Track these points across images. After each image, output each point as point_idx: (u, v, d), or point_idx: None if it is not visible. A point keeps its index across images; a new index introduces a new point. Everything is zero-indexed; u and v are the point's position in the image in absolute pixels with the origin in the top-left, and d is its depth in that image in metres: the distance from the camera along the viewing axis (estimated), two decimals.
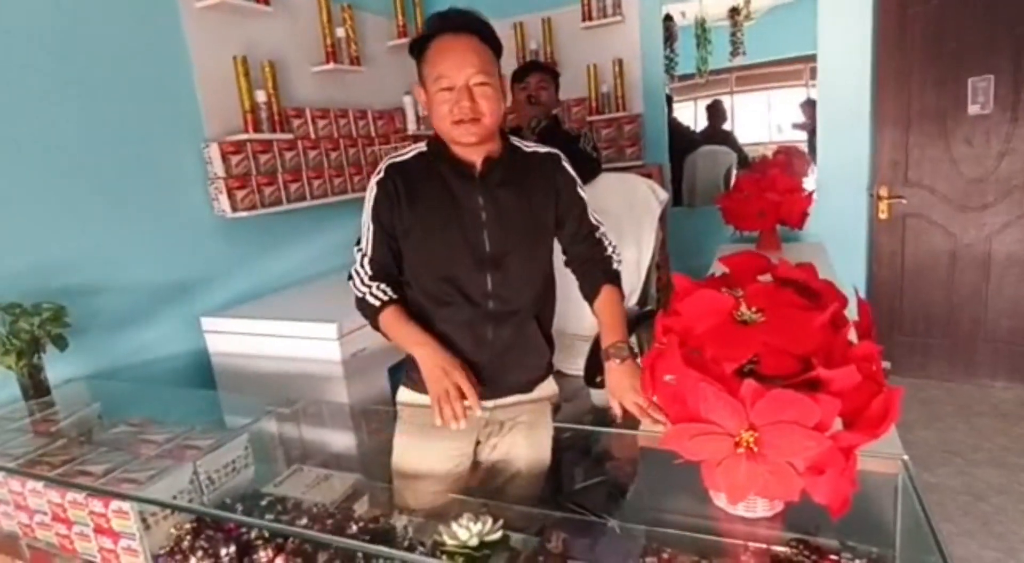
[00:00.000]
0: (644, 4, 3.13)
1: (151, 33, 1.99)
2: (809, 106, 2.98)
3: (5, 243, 1.62)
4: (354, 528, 1.03)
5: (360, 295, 1.23)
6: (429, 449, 1.27)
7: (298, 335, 1.91)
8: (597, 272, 1.26)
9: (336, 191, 2.56)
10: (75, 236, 1.78)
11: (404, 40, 3.00)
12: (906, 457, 0.95)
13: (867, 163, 2.91)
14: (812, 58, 2.92)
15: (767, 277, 0.85)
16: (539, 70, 2.31)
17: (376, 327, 1.23)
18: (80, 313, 1.69)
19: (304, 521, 1.05)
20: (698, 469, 0.78)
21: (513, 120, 2.43)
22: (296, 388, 1.89)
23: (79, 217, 1.79)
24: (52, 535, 1.17)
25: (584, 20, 3.14)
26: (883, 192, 2.87)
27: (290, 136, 2.38)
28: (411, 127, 3.01)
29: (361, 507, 1.19)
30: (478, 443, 1.29)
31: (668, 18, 3.19)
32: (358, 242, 1.24)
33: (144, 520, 1.06)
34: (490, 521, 0.94)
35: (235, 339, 2.04)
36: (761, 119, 3.20)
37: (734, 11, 3.12)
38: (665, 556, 0.91)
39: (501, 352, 1.22)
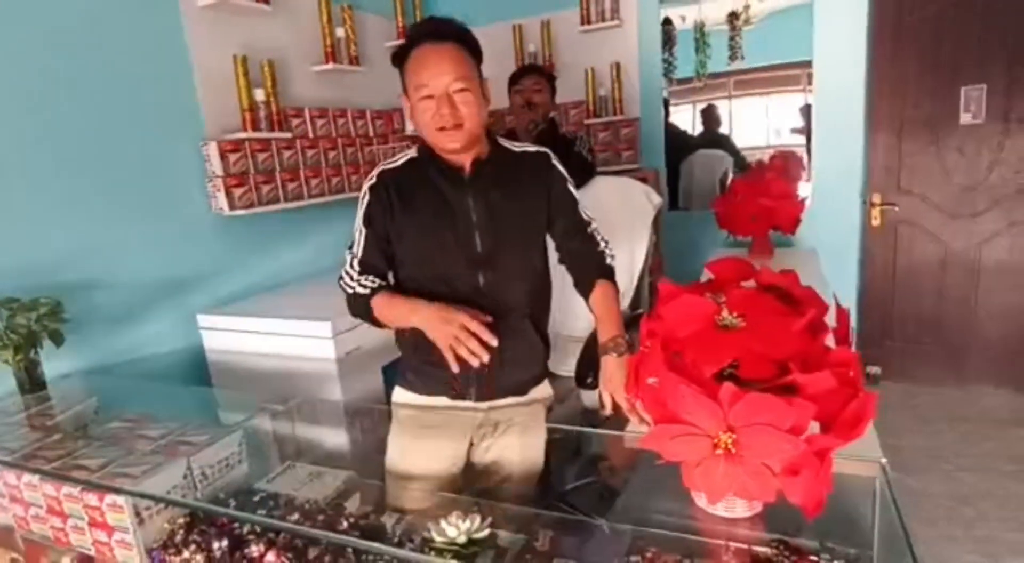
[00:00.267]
0: (642, 9, 3.16)
1: (152, 32, 2.01)
2: (808, 111, 3.01)
3: (4, 238, 1.64)
4: (345, 524, 1.04)
5: (350, 290, 1.24)
6: (423, 450, 1.28)
7: (293, 333, 1.93)
8: (591, 268, 1.27)
9: (333, 190, 2.58)
10: (73, 232, 1.80)
11: (404, 41, 3.00)
12: (884, 461, 0.97)
13: (860, 170, 2.94)
14: (811, 63, 2.95)
15: (751, 283, 0.87)
16: (533, 73, 2.33)
17: (371, 318, 1.23)
18: (77, 309, 1.70)
19: (296, 517, 1.07)
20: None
21: (510, 122, 2.45)
22: (290, 385, 1.91)
23: (78, 213, 1.81)
24: (47, 528, 1.18)
25: (583, 24, 3.17)
26: (876, 199, 2.90)
27: (288, 135, 2.39)
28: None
29: (352, 504, 1.20)
30: (471, 445, 1.31)
31: (667, 22, 3.21)
32: (350, 246, 1.25)
33: (138, 514, 1.08)
34: (478, 519, 0.96)
35: (231, 336, 2.06)
36: (759, 123, 3.23)
37: (733, 16, 3.14)
38: (649, 555, 0.93)
39: (496, 352, 1.23)
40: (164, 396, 1.82)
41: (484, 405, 1.27)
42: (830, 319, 0.86)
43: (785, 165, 2.95)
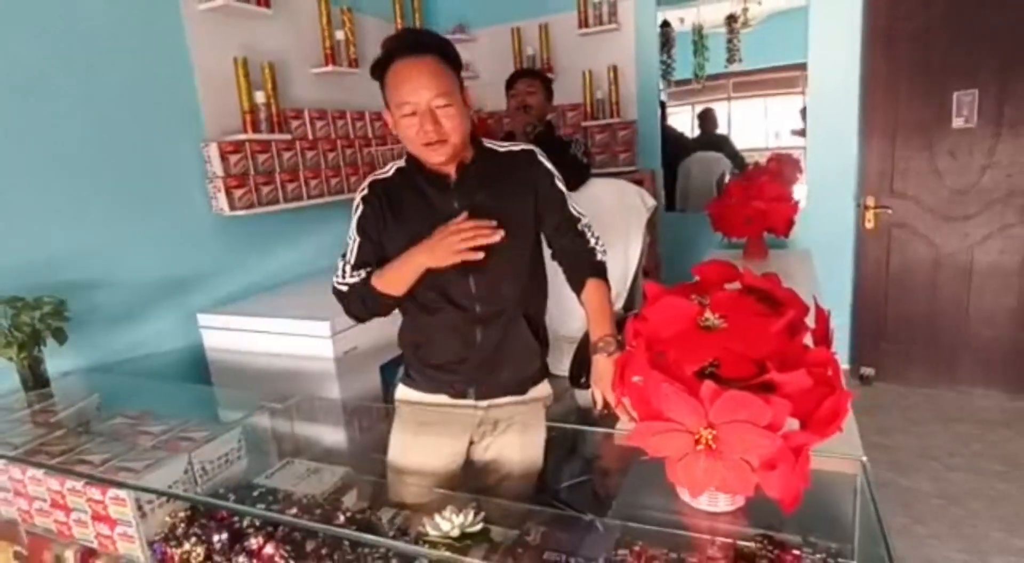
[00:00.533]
0: (639, 13, 3.19)
1: (153, 34, 2.04)
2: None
3: (8, 238, 1.67)
4: (341, 518, 1.07)
5: (345, 288, 1.24)
6: (424, 446, 1.30)
7: (292, 332, 1.96)
8: (581, 265, 1.28)
9: (332, 191, 2.61)
10: (76, 232, 1.83)
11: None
12: (865, 459, 1.00)
13: (855, 173, 2.97)
14: (807, 66, 2.98)
15: (736, 285, 0.90)
16: (527, 76, 2.35)
17: (375, 299, 1.23)
18: (80, 307, 1.73)
19: (294, 511, 1.09)
20: None
21: (508, 125, 2.48)
22: (289, 384, 1.94)
23: (80, 214, 1.84)
24: (50, 521, 1.21)
25: (580, 27, 3.20)
26: (870, 202, 2.93)
27: (288, 137, 2.42)
28: None
29: (350, 500, 1.22)
30: (471, 443, 1.33)
31: (666, 24, 3.25)
32: (343, 255, 1.28)
33: (140, 508, 1.10)
34: (472, 514, 0.99)
35: (230, 335, 2.09)
36: (758, 125, 3.26)
37: (731, 18, 3.18)
38: (637, 549, 0.95)
39: (491, 352, 1.25)
40: (165, 394, 1.85)
41: (484, 403, 1.30)
42: (816, 320, 0.89)
43: (780, 168, 2.98)
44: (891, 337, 3.03)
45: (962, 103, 2.67)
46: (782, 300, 0.83)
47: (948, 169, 2.76)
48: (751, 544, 0.91)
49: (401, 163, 1.26)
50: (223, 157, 2.15)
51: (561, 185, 1.27)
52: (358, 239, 1.24)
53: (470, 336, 1.24)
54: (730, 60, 3.22)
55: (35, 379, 1.60)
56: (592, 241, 1.29)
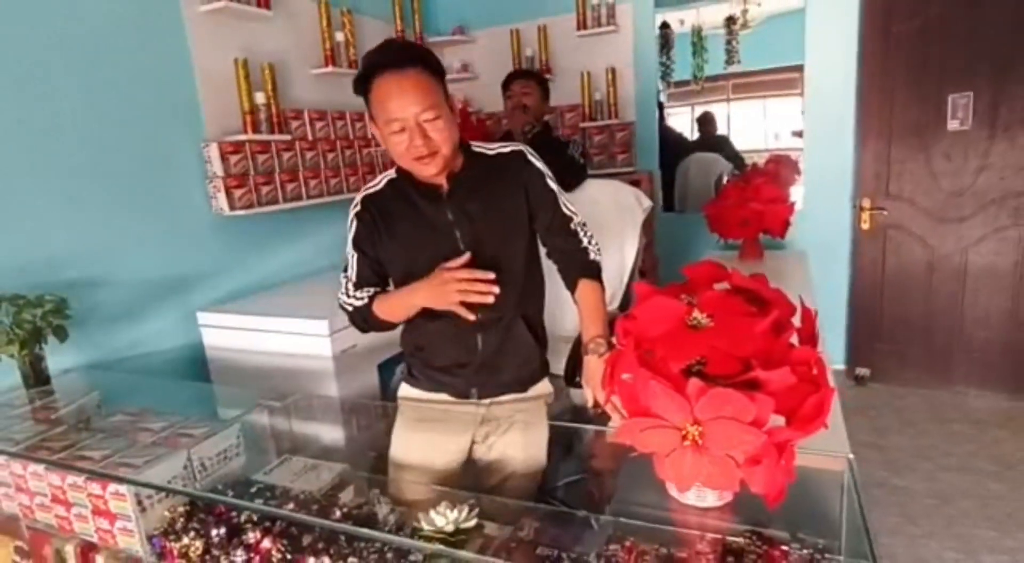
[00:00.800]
0: (638, 15, 3.21)
1: (154, 35, 2.06)
2: None
3: (9, 237, 1.69)
4: (338, 513, 1.09)
5: (350, 308, 1.29)
6: (426, 443, 1.32)
7: (290, 331, 1.97)
8: (574, 266, 1.29)
9: (332, 191, 2.63)
10: (77, 231, 1.85)
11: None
12: (851, 456, 1.02)
13: (851, 175, 2.99)
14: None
15: (725, 285, 0.92)
16: (522, 77, 2.36)
17: (377, 323, 1.27)
18: (81, 305, 1.75)
19: (291, 506, 1.11)
20: None
21: (507, 125, 2.49)
22: (288, 382, 1.96)
23: (82, 213, 1.86)
24: (51, 516, 1.23)
25: (579, 29, 3.22)
26: (866, 203, 2.95)
27: (288, 137, 2.44)
28: None
29: (347, 496, 1.24)
30: (473, 441, 1.34)
31: (665, 25, 3.27)
32: (345, 269, 1.30)
33: (140, 502, 1.12)
34: (466, 509, 1.00)
35: (230, 334, 2.11)
36: (757, 126, 3.28)
37: (730, 20, 3.20)
38: (628, 544, 0.97)
39: (492, 356, 1.27)
40: (164, 391, 1.87)
41: (486, 401, 1.31)
42: (802, 320, 0.91)
43: (777, 169, 2.99)
44: (886, 338, 3.05)
45: (957, 105, 2.69)
46: (769, 300, 0.85)
47: (943, 171, 2.78)
48: (740, 540, 0.93)
49: (392, 174, 1.26)
50: (223, 157, 2.17)
51: (553, 184, 1.27)
52: (356, 255, 1.27)
53: (471, 341, 1.26)
54: (729, 61, 3.24)
55: (36, 376, 1.62)
56: (585, 241, 1.30)
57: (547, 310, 1.40)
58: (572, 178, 2.37)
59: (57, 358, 1.70)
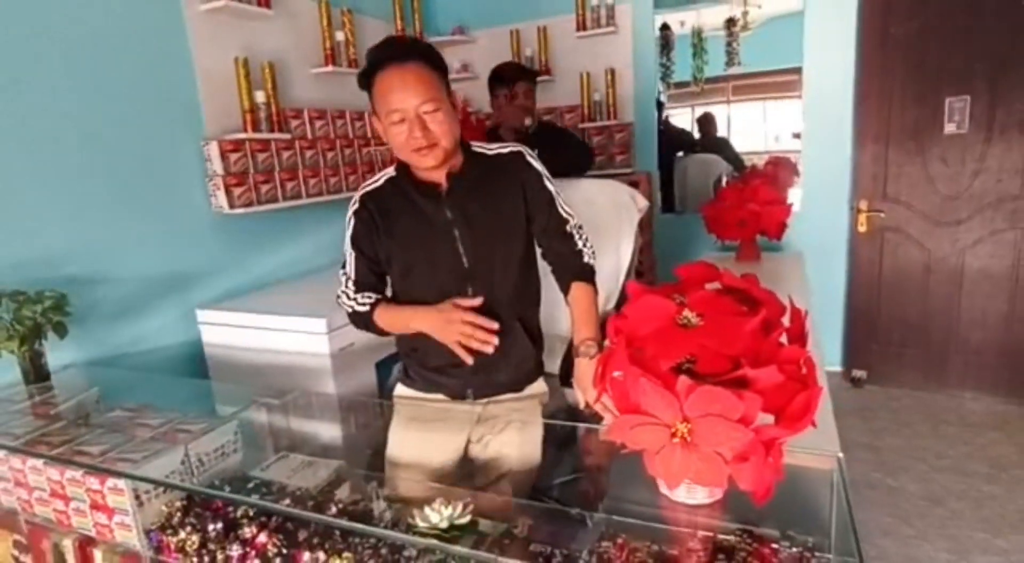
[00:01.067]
0: (637, 16, 3.22)
1: (155, 34, 2.07)
2: None
3: (10, 234, 1.70)
4: (334, 509, 1.10)
5: (350, 309, 1.30)
6: (422, 442, 1.33)
7: (289, 329, 1.98)
8: (568, 269, 1.30)
9: (331, 190, 2.64)
10: (78, 228, 1.86)
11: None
12: (841, 455, 1.03)
13: (848, 177, 3.01)
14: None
15: (717, 285, 0.93)
16: (525, 79, 2.36)
17: (376, 330, 1.30)
18: (80, 302, 1.76)
19: (287, 502, 1.12)
20: None
21: (499, 120, 2.47)
22: (286, 380, 1.97)
23: (82, 210, 1.87)
24: (50, 511, 1.24)
25: (578, 30, 3.23)
26: (863, 206, 2.96)
27: (288, 136, 2.45)
28: None
29: (343, 492, 1.25)
30: (469, 441, 1.35)
31: (665, 27, 3.28)
32: (343, 266, 1.31)
33: (137, 497, 1.13)
34: (460, 506, 1.01)
35: (228, 331, 2.12)
36: (757, 128, 3.29)
37: (731, 22, 3.21)
38: (620, 541, 0.98)
39: (488, 357, 1.26)
40: (163, 387, 1.88)
41: (482, 401, 1.32)
42: (791, 319, 0.92)
43: (776, 171, 3.01)
44: (883, 340, 3.06)
45: (954, 109, 2.70)
46: (759, 300, 0.86)
47: (940, 174, 2.80)
48: (730, 537, 0.94)
49: (391, 172, 1.27)
50: (223, 156, 2.18)
51: (551, 185, 1.28)
52: (354, 254, 1.28)
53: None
54: (729, 63, 3.25)
55: (36, 372, 1.63)
56: (580, 243, 1.31)
57: (544, 310, 1.41)
58: (585, 158, 2.39)
59: (57, 354, 1.71)
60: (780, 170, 2.97)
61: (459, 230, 1.22)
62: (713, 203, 2.68)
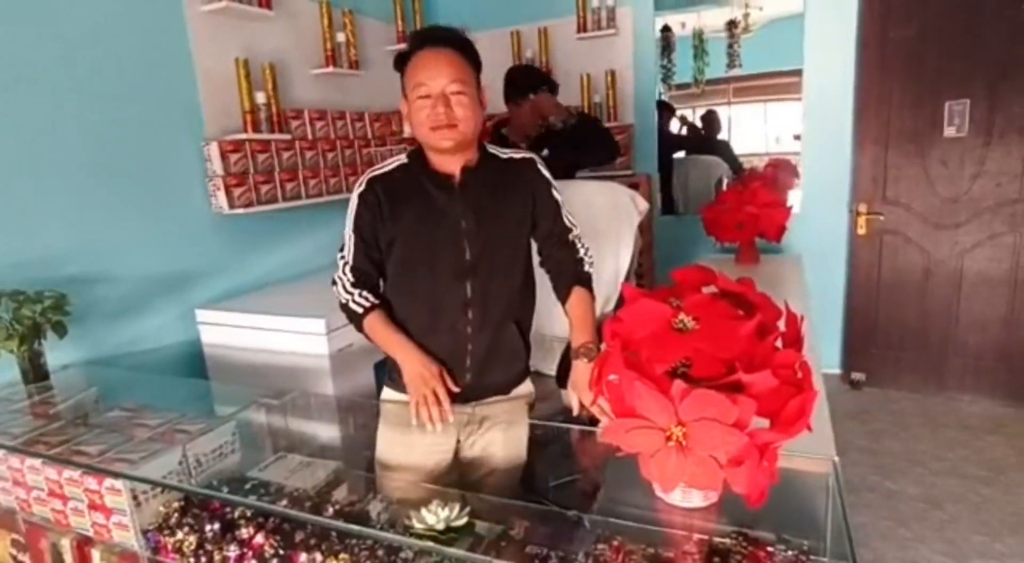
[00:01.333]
0: (638, 18, 3.22)
1: (156, 35, 2.07)
2: None
3: (10, 233, 1.70)
4: (331, 511, 1.10)
5: (344, 301, 1.29)
6: (412, 445, 1.32)
7: (288, 329, 1.99)
8: (569, 274, 1.31)
9: (331, 191, 2.64)
10: (78, 228, 1.86)
11: (403, 45, 3.06)
12: (836, 458, 1.03)
13: (848, 179, 3.01)
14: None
15: (713, 288, 0.94)
16: (552, 91, 2.37)
17: (360, 330, 1.30)
18: (80, 302, 1.76)
19: (284, 503, 1.13)
20: None
21: (515, 128, 2.46)
22: (284, 380, 1.97)
23: (82, 210, 1.87)
24: (48, 510, 1.24)
25: (579, 31, 3.24)
26: (862, 208, 2.97)
27: (288, 137, 2.46)
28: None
29: (340, 493, 1.25)
30: (459, 441, 1.35)
31: (667, 29, 3.28)
32: (341, 249, 1.29)
33: (135, 497, 1.14)
34: (457, 508, 1.02)
35: (228, 331, 2.12)
36: (758, 130, 3.29)
37: (732, 24, 3.22)
38: (616, 543, 0.99)
39: (482, 357, 1.27)
40: (162, 388, 1.88)
41: (471, 403, 1.32)
42: (787, 324, 0.92)
43: (775, 173, 3.01)
44: (882, 342, 3.06)
45: (954, 112, 2.70)
46: (755, 304, 0.86)
47: (939, 177, 2.80)
48: (726, 540, 0.94)
49: (403, 159, 1.26)
50: (223, 156, 2.19)
51: (557, 195, 1.30)
52: (354, 238, 1.26)
53: (462, 341, 1.26)
54: (730, 65, 3.26)
55: (35, 372, 1.64)
56: (581, 251, 1.33)
57: (542, 310, 1.41)
58: (612, 147, 2.41)
59: (56, 354, 1.71)
60: (780, 172, 2.97)
61: (467, 223, 1.22)
62: (712, 205, 2.68)
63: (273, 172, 2.37)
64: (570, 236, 1.32)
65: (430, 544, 0.95)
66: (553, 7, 3.28)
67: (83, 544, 1.23)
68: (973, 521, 2.05)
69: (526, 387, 1.41)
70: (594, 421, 1.16)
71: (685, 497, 0.92)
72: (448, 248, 1.22)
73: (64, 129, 1.82)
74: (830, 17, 2.89)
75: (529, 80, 2.39)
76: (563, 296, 1.32)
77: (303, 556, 1.03)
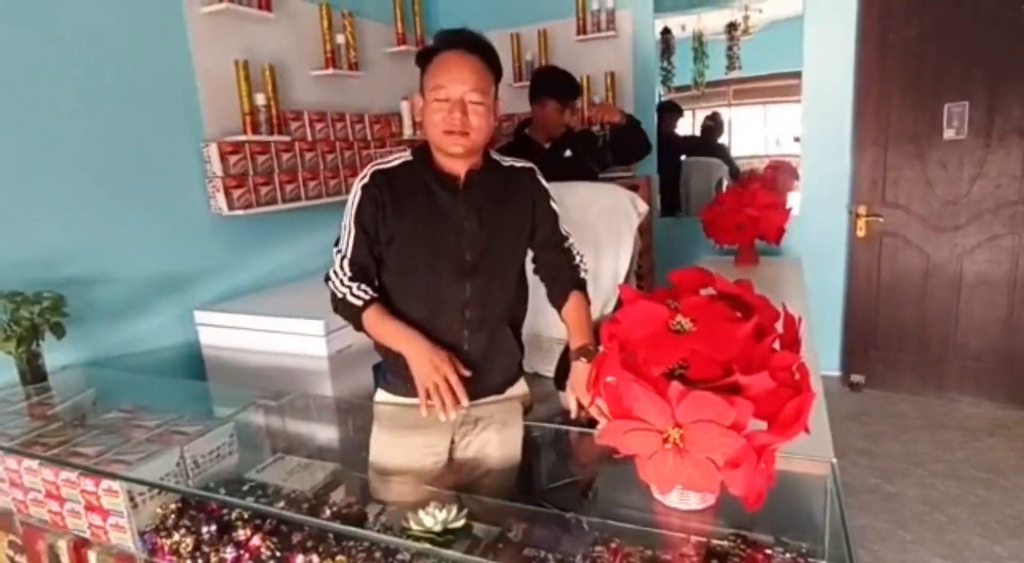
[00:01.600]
0: (637, 20, 3.23)
1: (156, 36, 2.07)
2: None
3: (9, 234, 1.70)
4: (328, 512, 1.10)
5: (340, 295, 1.24)
6: (406, 447, 1.32)
7: (287, 331, 1.99)
8: (566, 279, 1.33)
9: (331, 192, 2.64)
10: (77, 229, 1.86)
11: (403, 47, 3.09)
12: (834, 460, 1.03)
13: (847, 181, 3.01)
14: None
15: (711, 290, 0.93)
16: (564, 98, 2.46)
17: (359, 326, 1.26)
18: (78, 303, 1.76)
19: (282, 505, 1.12)
20: None
21: (538, 122, 2.52)
22: (283, 382, 1.97)
23: (81, 211, 1.87)
24: (45, 512, 1.24)
25: (579, 33, 3.24)
26: (861, 210, 2.97)
27: (287, 138, 2.46)
28: (407, 132, 3.09)
29: (338, 495, 1.25)
30: (453, 442, 1.35)
31: (667, 31, 3.29)
32: (337, 242, 1.26)
33: (132, 499, 1.13)
34: (455, 510, 1.01)
35: (226, 333, 2.12)
36: (758, 132, 3.30)
37: (731, 26, 3.22)
38: (613, 546, 0.98)
39: (477, 358, 1.27)
40: (160, 389, 1.88)
41: (464, 404, 1.32)
42: (784, 326, 0.92)
43: (775, 175, 3.01)
44: (881, 345, 3.06)
45: (953, 114, 2.71)
46: (753, 305, 0.86)
47: (939, 179, 2.80)
48: (724, 543, 0.94)
49: (408, 156, 1.25)
50: (222, 157, 2.19)
51: (555, 205, 1.32)
52: (354, 230, 1.23)
53: (459, 341, 1.26)
54: (730, 67, 3.26)
55: (33, 373, 1.63)
56: (576, 259, 1.35)
57: (542, 312, 1.42)
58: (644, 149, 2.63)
59: (54, 355, 1.71)
60: (779, 174, 2.98)
61: (469, 225, 1.22)
62: (711, 207, 2.68)
63: (272, 173, 2.37)
64: (566, 244, 1.34)
65: (428, 546, 0.95)
66: (553, 9, 3.29)
67: (80, 546, 1.23)
68: (973, 523, 2.05)
69: (521, 387, 1.41)
70: (592, 423, 1.16)
71: (683, 499, 0.91)
72: (449, 248, 1.22)
73: (63, 130, 1.82)
74: (829, 19, 2.89)
75: (539, 86, 2.48)
76: (560, 301, 1.33)
77: (300, 558, 1.02)
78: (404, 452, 1.32)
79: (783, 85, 3.14)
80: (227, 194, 2.20)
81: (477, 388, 1.30)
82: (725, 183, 3.44)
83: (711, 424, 0.72)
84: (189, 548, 1.08)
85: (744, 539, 0.93)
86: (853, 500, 2.11)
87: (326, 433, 1.71)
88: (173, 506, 1.16)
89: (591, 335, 1.26)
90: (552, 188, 1.34)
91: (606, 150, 2.62)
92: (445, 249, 1.22)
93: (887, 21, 2.75)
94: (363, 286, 1.24)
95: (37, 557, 1.31)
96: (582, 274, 1.35)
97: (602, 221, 2.01)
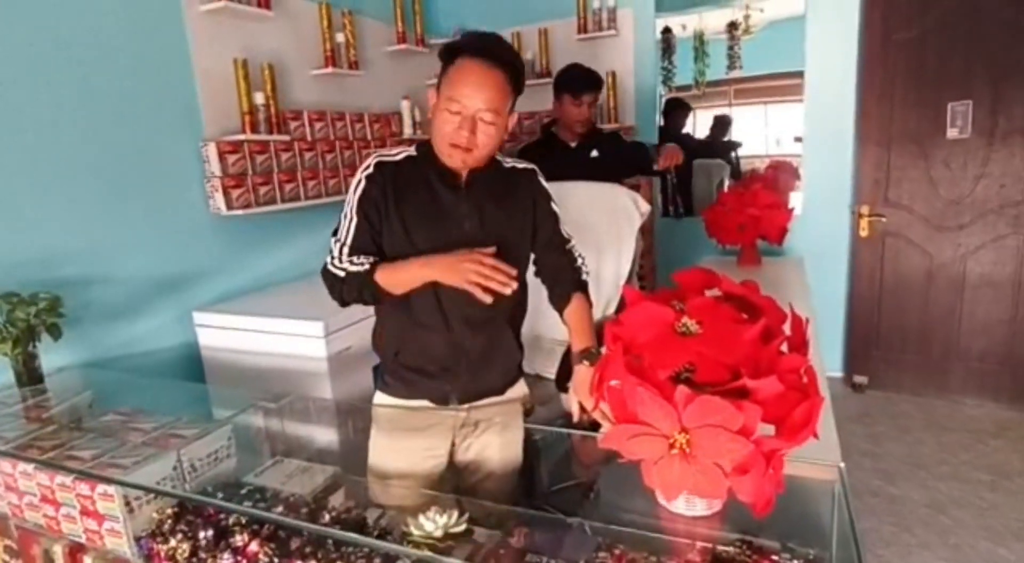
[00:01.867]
0: (638, 19, 3.21)
1: (155, 35, 2.06)
2: None
3: (5, 234, 1.68)
4: (327, 517, 1.08)
5: (342, 273, 1.18)
6: (406, 450, 1.31)
7: (286, 332, 1.97)
8: (567, 281, 1.31)
9: (330, 192, 2.63)
10: (74, 229, 1.85)
11: (403, 46, 3.07)
12: (842, 465, 1.01)
13: (850, 181, 2.99)
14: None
15: (717, 292, 0.92)
16: (595, 89, 2.41)
17: (372, 290, 1.18)
18: (75, 304, 1.75)
19: (280, 509, 1.11)
20: None
21: (558, 119, 2.48)
22: (282, 383, 1.95)
23: (79, 211, 1.86)
24: (40, 516, 1.22)
25: (579, 33, 3.22)
26: (864, 210, 2.95)
27: (287, 138, 2.44)
28: (407, 131, 3.08)
29: (337, 499, 1.23)
30: (453, 444, 1.34)
31: (667, 30, 3.27)
32: (335, 232, 1.22)
33: (128, 503, 1.12)
34: (456, 514, 1.00)
35: (225, 334, 2.10)
36: (759, 131, 3.28)
37: (732, 26, 3.21)
38: (617, 552, 0.97)
39: (477, 358, 1.26)
40: (158, 391, 1.87)
41: (465, 406, 1.31)
42: (792, 328, 0.90)
43: (776, 175, 3.00)
44: (884, 345, 3.04)
45: (956, 113, 2.69)
46: (759, 307, 0.85)
47: (942, 179, 2.78)
48: (730, 549, 0.92)
49: (412, 151, 1.23)
50: (221, 157, 2.17)
51: (556, 208, 1.31)
52: (355, 219, 1.19)
53: (459, 341, 1.25)
54: (731, 67, 3.25)
55: (29, 375, 1.62)
56: (578, 261, 1.34)
57: (543, 313, 1.41)
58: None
59: (51, 356, 1.69)
60: (781, 174, 2.96)
61: (470, 225, 1.21)
62: (713, 207, 2.67)
63: (272, 173, 2.36)
64: (567, 246, 1.33)
65: (428, 553, 0.93)
66: (553, 8, 3.27)
67: (75, 551, 1.21)
68: (978, 526, 2.03)
69: (520, 388, 1.40)
70: (595, 426, 1.15)
71: (688, 505, 0.90)
72: (450, 247, 1.19)
73: (61, 129, 1.81)
74: (831, 18, 2.88)
75: (555, 83, 2.43)
76: (561, 303, 1.31)
77: None
78: (404, 455, 1.31)
79: (784, 85, 3.13)
80: (226, 194, 2.18)
81: (477, 388, 1.30)
82: (726, 183, 3.43)
83: (719, 429, 0.70)
84: (186, 554, 1.06)
85: (750, 545, 0.92)
86: (856, 502, 2.08)
87: (326, 436, 1.70)
88: (170, 511, 1.15)
89: (593, 337, 1.25)
90: (553, 188, 1.32)
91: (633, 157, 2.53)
92: (444, 247, 1.19)
93: (889, 20, 2.74)
94: (362, 257, 1.19)
95: (33, 562, 1.29)
96: (583, 276, 1.33)
97: (603, 221, 1.99)
